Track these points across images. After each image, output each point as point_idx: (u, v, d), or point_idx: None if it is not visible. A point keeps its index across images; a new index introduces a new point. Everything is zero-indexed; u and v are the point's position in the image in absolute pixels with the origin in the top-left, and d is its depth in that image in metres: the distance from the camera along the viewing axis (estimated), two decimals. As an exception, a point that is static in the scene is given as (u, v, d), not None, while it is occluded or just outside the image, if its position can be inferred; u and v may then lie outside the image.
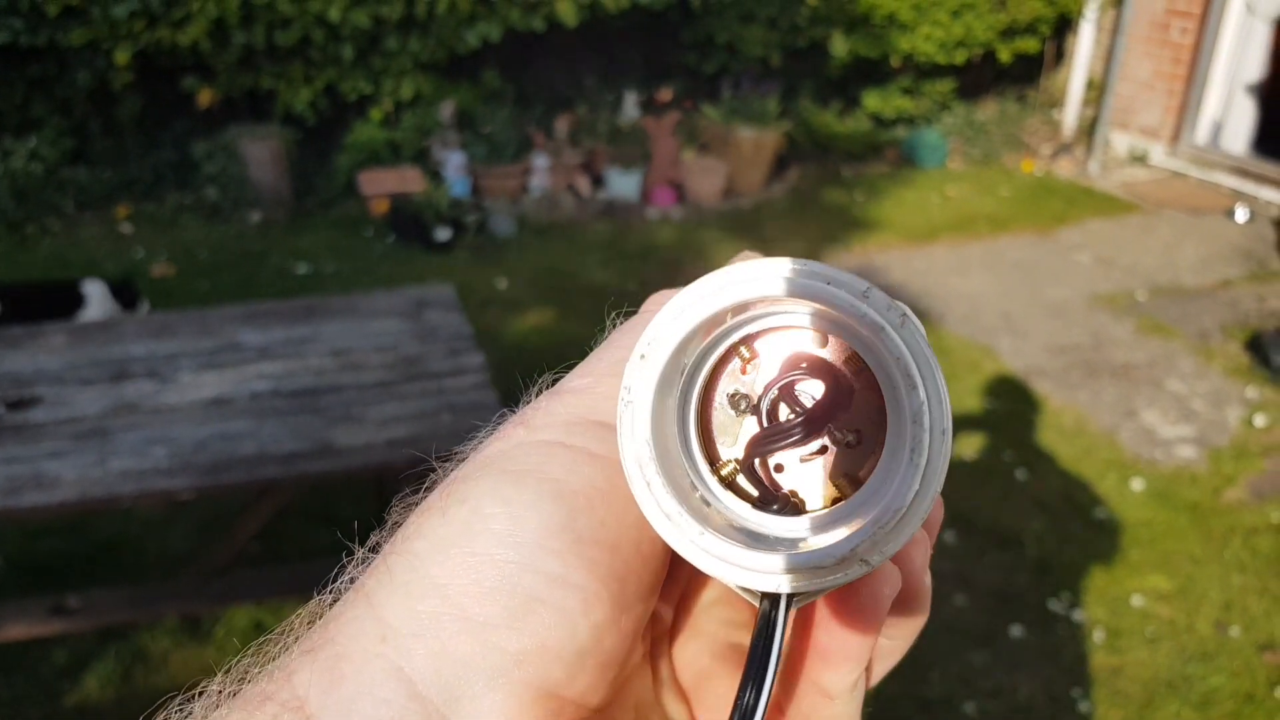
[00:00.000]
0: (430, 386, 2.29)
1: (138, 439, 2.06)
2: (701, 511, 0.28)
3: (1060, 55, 7.49)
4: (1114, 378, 4.13)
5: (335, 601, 0.30)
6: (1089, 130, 7.17)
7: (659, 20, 6.43)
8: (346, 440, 2.09)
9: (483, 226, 5.40)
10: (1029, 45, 7.03)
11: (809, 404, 0.30)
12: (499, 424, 0.32)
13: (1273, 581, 2.95)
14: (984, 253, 5.44)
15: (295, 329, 2.53)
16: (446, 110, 5.85)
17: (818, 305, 0.27)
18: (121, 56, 5.32)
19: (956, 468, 3.48)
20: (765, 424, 0.30)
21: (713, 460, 0.30)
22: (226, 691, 0.29)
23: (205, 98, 5.64)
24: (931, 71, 7.00)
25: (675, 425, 0.29)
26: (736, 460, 0.30)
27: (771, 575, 0.27)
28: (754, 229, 5.65)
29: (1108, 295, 4.93)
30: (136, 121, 5.73)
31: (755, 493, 0.30)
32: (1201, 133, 6.77)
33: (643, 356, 0.28)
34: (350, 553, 0.32)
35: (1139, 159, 6.98)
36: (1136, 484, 3.39)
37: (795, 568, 0.27)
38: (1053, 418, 3.81)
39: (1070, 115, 7.31)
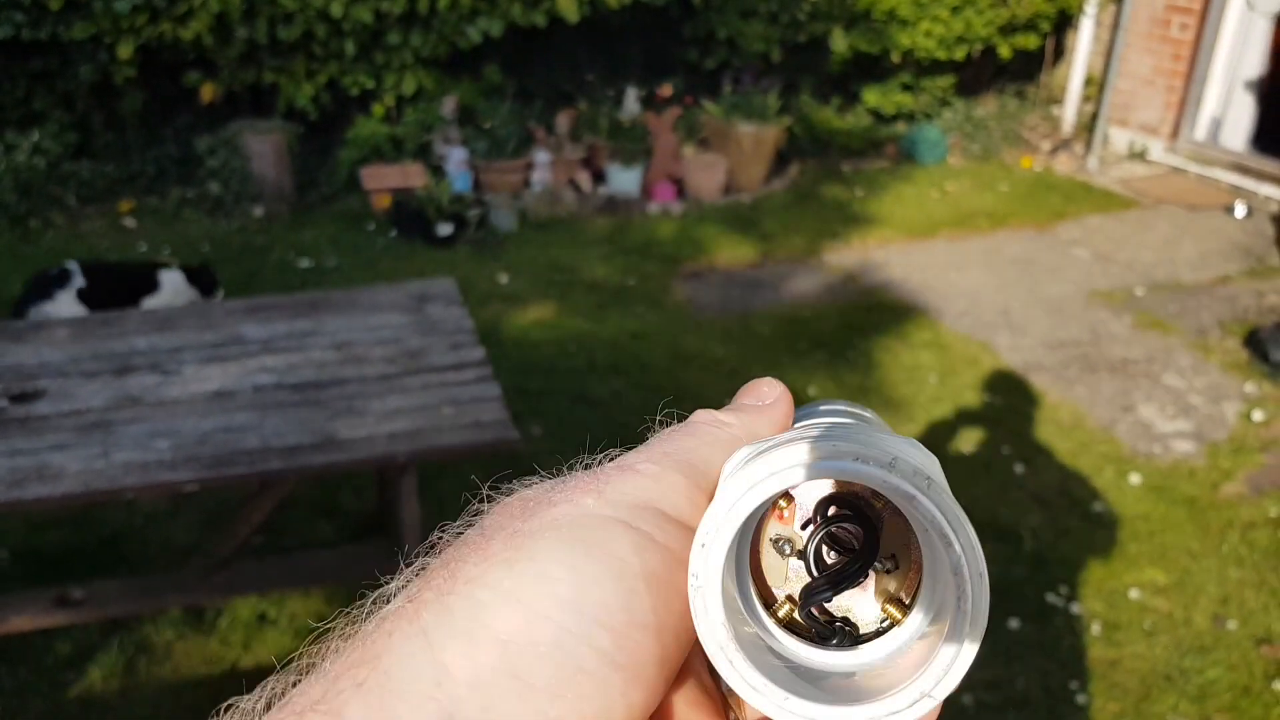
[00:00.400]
0: (432, 380, 2.31)
1: (141, 432, 2.07)
2: (778, 676, 0.31)
3: (1060, 51, 7.49)
4: (1112, 373, 4.15)
5: (374, 617, 0.30)
6: (1088, 126, 7.17)
7: (660, 16, 6.44)
8: (349, 433, 2.11)
9: (484, 221, 5.41)
10: (1029, 41, 7.03)
11: (851, 544, 0.33)
12: (564, 480, 0.32)
13: (1270, 575, 2.97)
14: (983, 248, 5.46)
15: (298, 323, 2.54)
16: (448, 106, 5.86)
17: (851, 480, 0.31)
18: (124, 51, 5.33)
19: (954, 461, 3.50)
20: (814, 569, 0.33)
21: (768, 602, 0.34)
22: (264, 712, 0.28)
23: (208, 92, 5.65)
24: (931, 67, 7.01)
25: (734, 583, 0.33)
26: (791, 601, 0.33)
27: None
28: (754, 224, 5.67)
29: (1106, 291, 4.94)
30: (139, 116, 5.74)
31: (812, 629, 0.33)
32: (1201, 129, 6.78)
33: (704, 545, 0.30)
34: (393, 564, 0.33)
35: (1138, 155, 6.99)
36: (1134, 478, 3.41)
37: (875, 717, 0.30)
38: (1050, 412, 3.83)
39: (1070, 111, 7.32)
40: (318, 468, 2.04)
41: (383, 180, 5.52)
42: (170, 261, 4.16)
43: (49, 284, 3.84)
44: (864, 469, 0.29)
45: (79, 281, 3.84)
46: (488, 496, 0.33)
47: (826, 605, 0.33)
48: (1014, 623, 2.76)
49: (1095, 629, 2.75)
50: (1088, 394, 3.97)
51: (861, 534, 0.33)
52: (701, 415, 0.36)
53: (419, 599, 0.29)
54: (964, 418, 3.78)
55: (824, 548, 0.33)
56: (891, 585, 0.33)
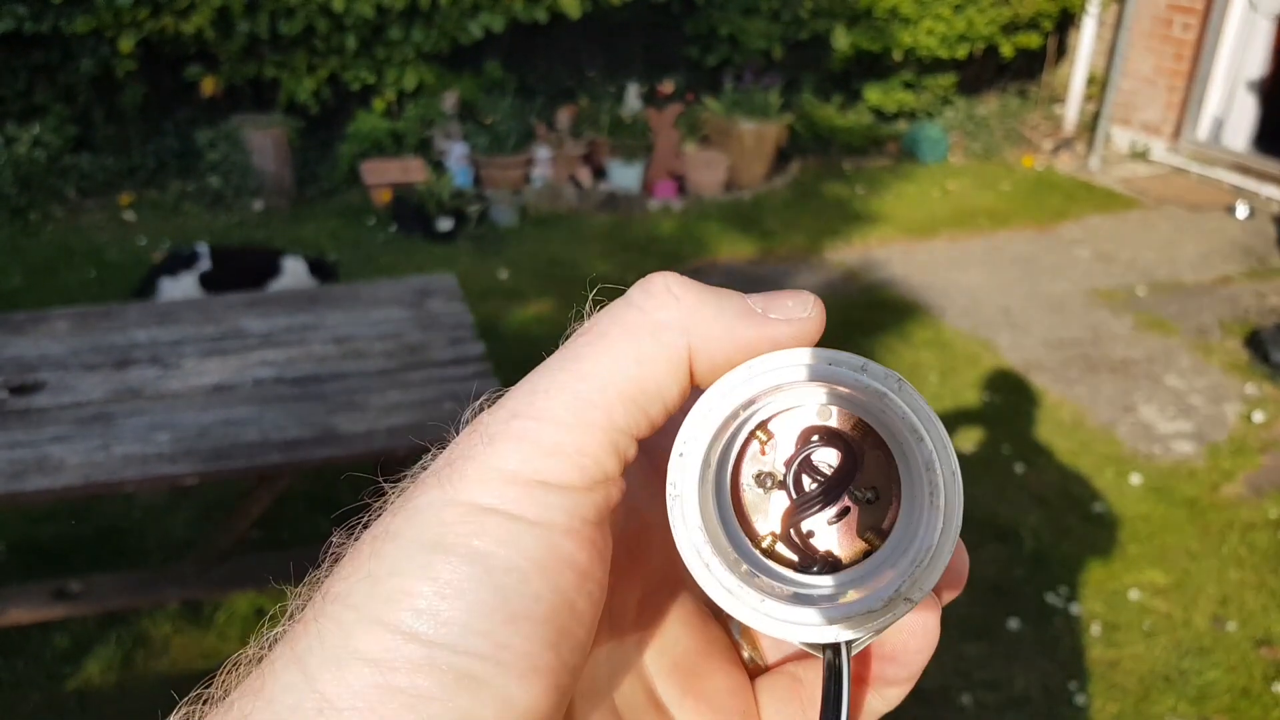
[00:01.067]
0: (432, 375, 2.30)
1: (141, 424, 2.07)
2: (755, 582, 0.31)
3: (1062, 50, 7.49)
4: (1113, 373, 4.14)
5: (268, 641, 0.28)
6: (1090, 126, 7.17)
7: (661, 12, 6.43)
8: (349, 427, 2.10)
9: (484, 217, 5.40)
10: (1031, 40, 7.02)
11: (828, 471, 0.33)
12: (434, 461, 0.29)
13: (1270, 577, 2.97)
14: (984, 247, 5.45)
15: (298, 316, 2.54)
16: (449, 101, 5.85)
17: (824, 385, 0.30)
18: (125, 44, 5.32)
19: (955, 461, 3.49)
20: (794, 496, 0.33)
21: (752, 537, 0.33)
22: None
23: (209, 86, 5.64)
24: (933, 66, 7.00)
25: (715, 510, 0.32)
26: (774, 533, 0.33)
27: (832, 627, 0.30)
28: (755, 222, 5.66)
29: (1107, 291, 4.93)
30: (140, 109, 5.73)
31: (795, 559, 0.33)
32: (1203, 129, 6.77)
33: (681, 454, 0.30)
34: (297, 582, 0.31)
35: (1140, 155, 6.98)
36: (1134, 479, 3.40)
37: (851, 616, 0.30)
38: (1051, 412, 3.82)
39: (1071, 110, 7.31)
40: (317, 462, 2.04)
41: (383, 175, 5.51)
42: (293, 249, 4.31)
43: (178, 263, 4.01)
44: (838, 371, 0.29)
45: (205, 264, 4.00)
46: (381, 490, 0.30)
47: (811, 541, 0.33)
48: (1013, 623, 2.75)
49: (1095, 629, 2.75)
50: (1088, 394, 3.97)
51: (840, 459, 0.33)
52: (637, 306, 0.30)
53: (298, 623, 0.28)
54: (964, 416, 3.77)
55: (804, 475, 0.33)
56: (871, 517, 0.33)
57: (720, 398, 0.30)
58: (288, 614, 0.29)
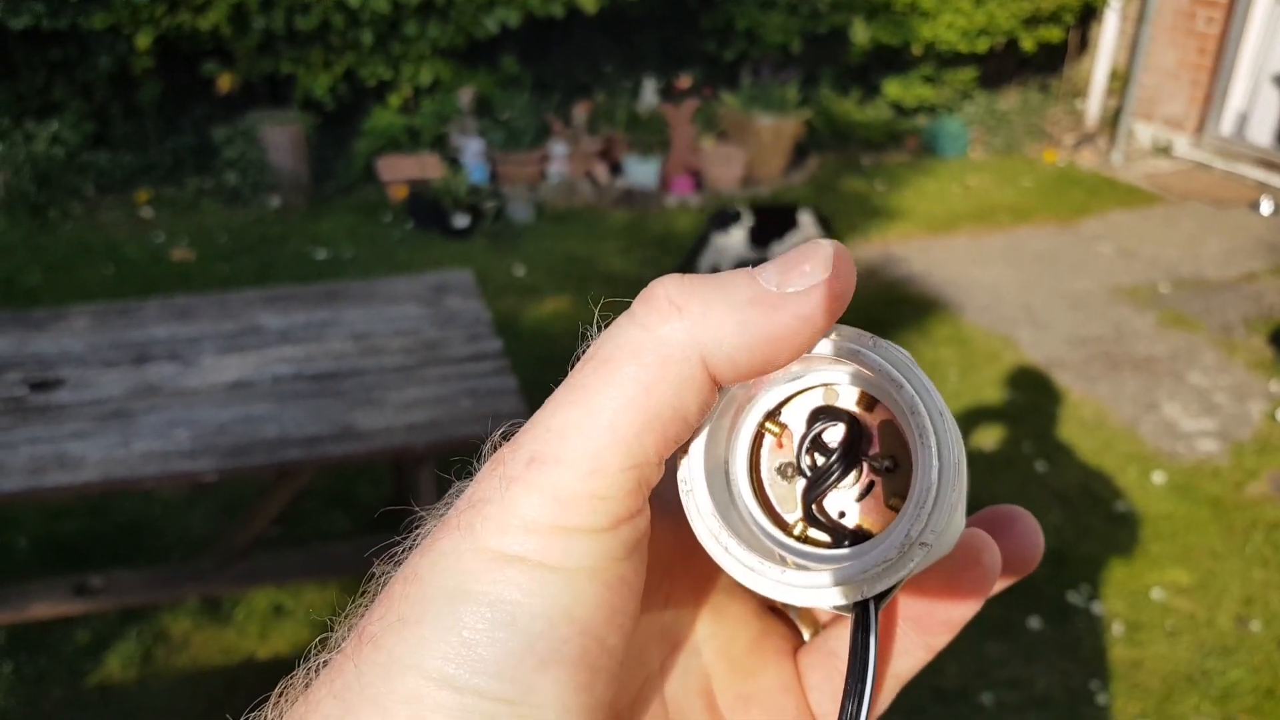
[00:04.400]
0: (450, 371, 2.29)
1: (160, 421, 2.07)
2: (774, 556, 0.31)
3: (1084, 44, 7.41)
4: (1135, 370, 4.10)
5: (311, 674, 0.29)
6: (1112, 120, 7.10)
7: (678, 7, 6.40)
8: (367, 424, 2.10)
9: (500, 213, 5.40)
10: (1052, 34, 6.96)
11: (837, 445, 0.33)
12: (453, 499, 0.28)
13: (1294, 577, 2.93)
14: (1005, 243, 5.41)
15: (316, 313, 2.53)
16: (465, 97, 5.84)
17: (812, 361, 0.31)
18: (142, 41, 5.34)
19: (975, 458, 3.47)
20: (807, 475, 0.33)
21: (785, 529, 0.33)
22: None
23: (225, 82, 5.65)
24: (953, 60, 6.94)
25: (733, 497, 0.33)
26: (801, 519, 0.33)
27: (853, 585, 0.30)
28: (772, 217, 5.63)
29: (1130, 287, 4.88)
30: (157, 106, 5.75)
31: (828, 538, 0.33)
32: (1226, 124, 6.70)
33: (688, 452, 0.31)
34: (332, 619, 0.31)
35: (1163, 150, 6.91)
36: (1157, 477, 3.37)
37: (869, 570, 0.29)
38: (1073, 410, 3.78)
39: (1093, 105, 7.24)
40: (336, 458, 2.03)
41: (399, 171, 5.51)
42: (803, 205, 5.04)
43: (727, 220, 4.71)
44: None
45: (749, 220, 4.69)
46: (420, 520, 0.30)
47: (841, 519, 0.33)
48: (1034, 622, 2.73)
49: (1117, 629, 2.72)
50: (1111, 391, 3.93)
51: (845, 431, 0.33)
52: (640, 324, 0.28)
53: (338, 656, 0.28)
54: (985, 414, 3.74)
55: (815, 454, 0.33)
56: (895, 485, 0.33)
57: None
58: (331, 644, 0.29)
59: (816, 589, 0.30)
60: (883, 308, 4.53)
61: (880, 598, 0.30)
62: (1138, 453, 3.51)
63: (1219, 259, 5.24)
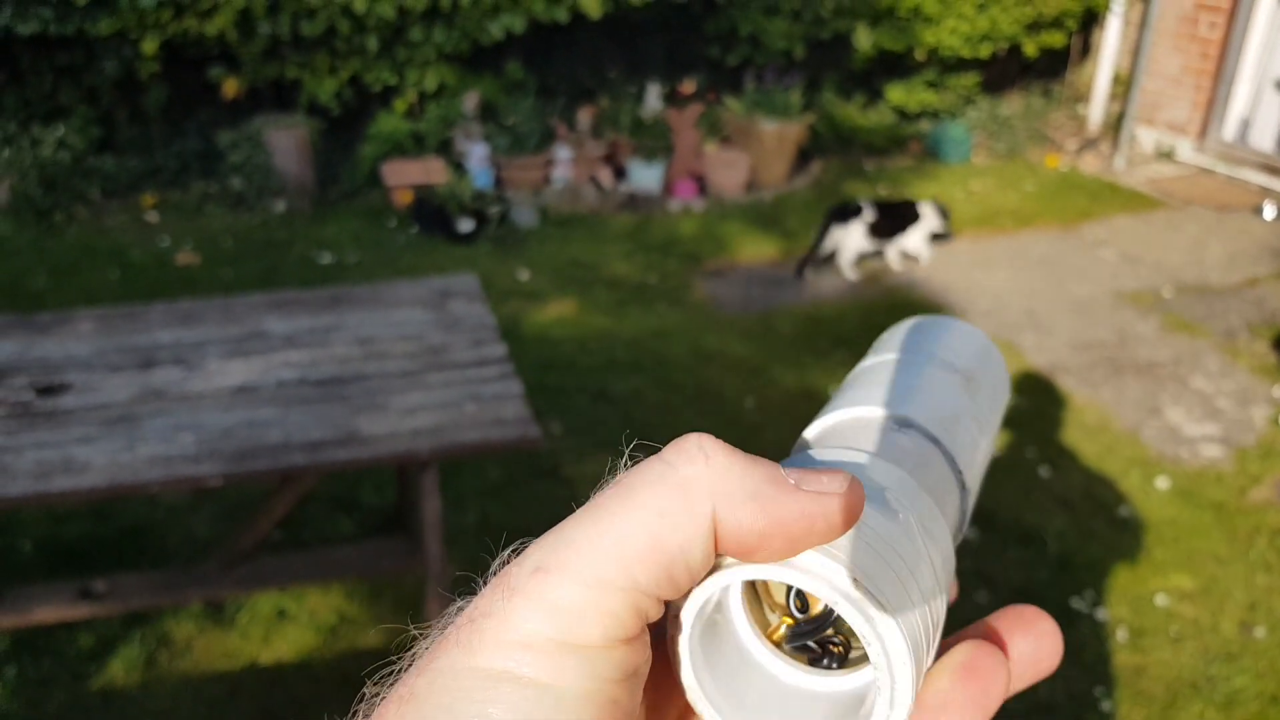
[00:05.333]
0: (454, 376, 2.30)
1: (166, 425, 2.08)
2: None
3: (1086, 49, 7.42)
4: (1139, 375, 4.10)
5: None
6: (1115, 125, 7.10)
7: (682, 12, 6.42)
8: (371, 428, 2.10)
9: (505, 218, 5.41)
10: (1055, 39, 6.96)
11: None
12: (453, 617, 0.29)
13: (1299, 582, 2.93)
14: (1008, 248, 5.41)
15: (320, 318, 2.54)
16: (470, 101, 5.86)
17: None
18: (149, 46, 5.36)
19: (978, 464, 3.47)
20: (796, 613, 0.33)
21: (766, 623, 0.33)
22: None
23: (231, 88, 5.67)
24: (956, 65, 6.95)
25: (723, 653, 0.32)
26: (785, 618, 0.33)
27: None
28: (776, 222, 5.64)
29: (1133, 292, 4.88)
30: (163, 111, 5.77)
31: (805, 655, 0.33)
32: (1229, 129, 6.70)
33: (683, 634, 0.31)
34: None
35: (1165, 155, 6.91)
36: (1161, 482, 3.37)
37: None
38: (1076, 415, 3.78)
39: (1096, 110, 7.25)
40: (340, 463, 2.04)
41: (404, 176, 5.53)
42: (922, 199, 5.23)
43: (848, 214, 4.84)
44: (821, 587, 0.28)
45: (870, 215, 4.84)
46: (414, 637, 0.30)
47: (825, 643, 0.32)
48: (1038, 627, 2.72)
49: (1121, 635, 2.72)
50: (1114, 396, 3.93)
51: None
52: (667, 462, 0.29)
53: None
54: (988, 419, 3.74)
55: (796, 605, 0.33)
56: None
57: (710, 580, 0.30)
58: None
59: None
60: (885, 313, 4.53)
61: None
62: (1141, 458, 3.51)
63: (1222, 264, 5.24)
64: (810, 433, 0.38)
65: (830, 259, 4.99)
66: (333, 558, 2.65)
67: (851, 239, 4.84)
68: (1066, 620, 2.76)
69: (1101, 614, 2.79)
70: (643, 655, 0.28)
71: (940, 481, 0.35)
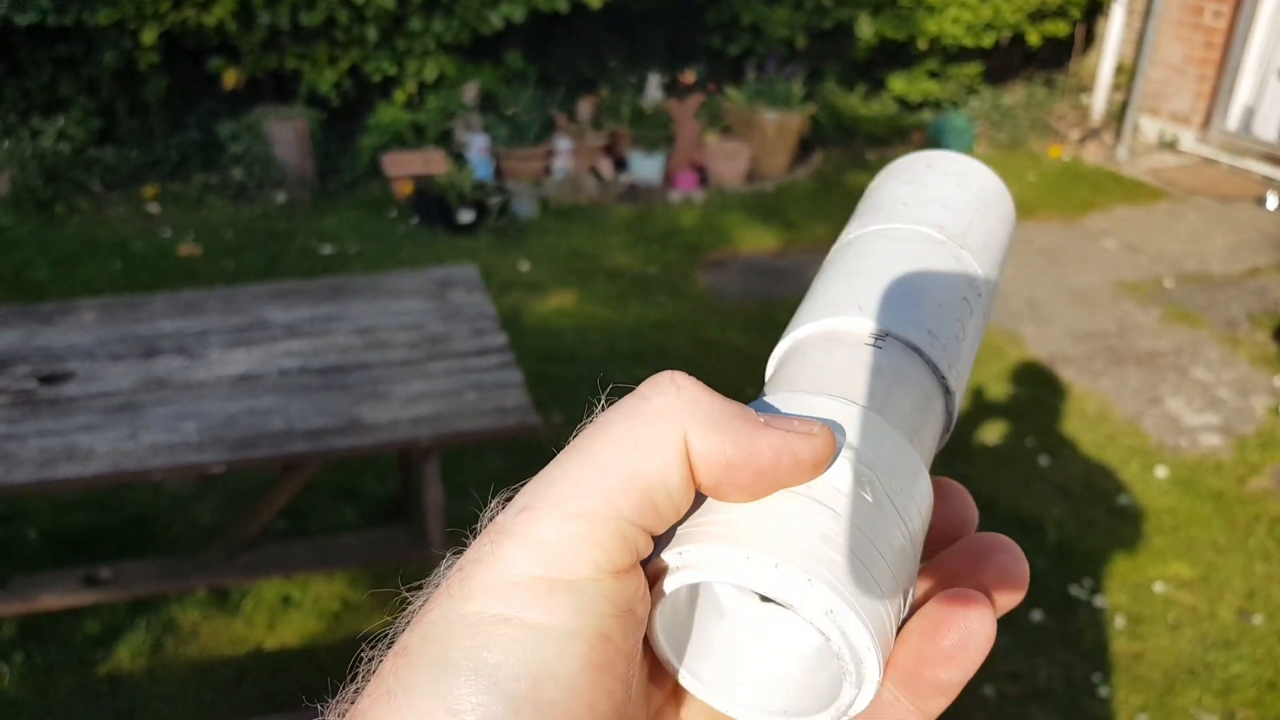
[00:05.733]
0: (455, 365, 2.31)
1: (168, 414, 2.09)
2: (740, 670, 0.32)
3: (1090, 39, 7.40)
4: (1139, 365, 4.10)
5: None
6: (1118, 115, 7.09)
7: (683, 2, 6.41)
8: (373, 417, 2.11)
9: (505, 209, 5.41)
10: (1058, 28, 6.95)
11: None
12: (451, 563, 0.29)
13: (1297, 570, 2.94)
14: (1009, 238, 5.41)
15: (322, 307, 2.55)
16: (470, 92, 5.85)
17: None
18: (148, 37, 5.36)
19: (978, 453, 3.48)
20: None
21: None
22: None
23: (230, 78, 5.67)
24: (959, 54, 6.94)
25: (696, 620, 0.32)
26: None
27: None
28: (777, 213, 5.64)
29: (1134, 282, 4.89)
30: (163, 102, 5.77)
31: None
32: (1233, 119, 6.68)
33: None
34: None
35: (1168, 145, 6.90)
36: (1160, 471, 3.38)
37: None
38: (1076, 404, 3.79)
39: (1099, 100, 7.23)
40: (342, 451, 2.05)
41: (404, 167, 5.53)
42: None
43: None
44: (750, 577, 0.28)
45: None
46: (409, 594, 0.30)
47: None
48: (1037, 615, 2.74)
49: (1119, 622, 2.73)
50: (1114, 386, 3.93)
51: None
52: (640, 395, 0.30)
53: None
54: (989, 409, 3.75)
55: None
56: None
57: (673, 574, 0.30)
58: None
59: (756, 713, 0.31)
60: (887, 302, 4.53)
61: None
62: (1141, 447, 3.52)
63: (1224, 254, 5.23)
64: (779, 351, 0.37)
65: None
66: (336, 546, 2.66)
67: None
68: (1065, 608, 2.77)
69: (1100, 601, 2.80)
70: (636, 591, 0.28)
71: (920, 401, 0.34)
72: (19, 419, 2.06)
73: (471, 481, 3.14)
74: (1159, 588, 2.86)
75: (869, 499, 0.29)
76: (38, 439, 2.00)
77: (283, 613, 2.63)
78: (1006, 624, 2.69)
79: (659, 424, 0.29)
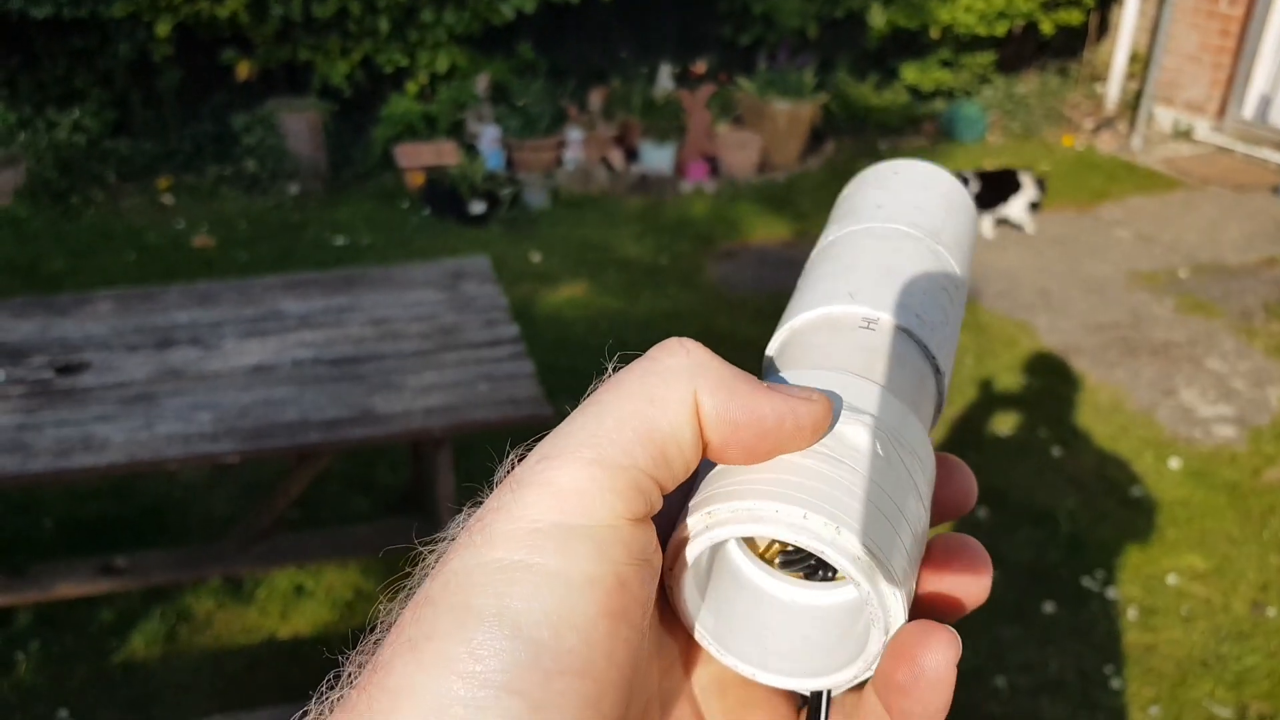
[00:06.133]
0: (467, 356, 2.32)
1: (183, 404, 2.10)
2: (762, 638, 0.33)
3: (1104, 27, 7.34)
4: (1153, 356, 4.08)
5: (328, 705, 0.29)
6: (1132, 104, 7.03)
7: (695, -8, 6.39)
8: (386, 408, 2.12)
9: (516, 200, 5.41)
10: (1072, 16, 6.90)
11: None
12: (469, 515, 0.30)
13: (1311, 562, 2.92)
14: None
15: (335, 298, 2.56)
16: (481, 83, 5.85)
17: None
18: (162, 29, 5.38)
19: (990, 443, 3.47)
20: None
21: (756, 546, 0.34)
22: None
23: (244, 70, 5.69)
24: (971, 43, 6.90)
25: (715, 579, 0.33)
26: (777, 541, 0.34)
27: (814, 679, 0.32)
28: (789, 203, 5.62)
29: (1148, 273, 4.86)
30: (176, 94, 5.79)
31: (798, 569, 0.34)
32: (1249, 107, 6.62)
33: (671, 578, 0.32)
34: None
35: (1183, 134, 6.85)
36: (1174, 462, 3.36)
37: (828, 673, 0.32)
38: (1089, 395, 3.78)
39: (1113, 89, 7.18)
40: (355, 441, 2.06)
41: (416, 158, 5.54)
42: (1023, 169, 5.39)
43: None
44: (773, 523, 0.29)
45: (975, 186, 5.04)
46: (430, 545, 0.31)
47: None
48: (1049, 606, 2.73)
49: (1131, 614, 2.72)
50: (1128, 377, 3.91)
51: None
52: (651, 357, 0.31)
53: (353, 690, 0.28)
54: (1001, 400, 3.74)
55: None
56: None
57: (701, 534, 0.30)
58: (344, 680, 0.29)
59: (782, 676, 0.32)
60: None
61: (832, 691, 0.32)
62: (1154, 438, 3.51)
63: (1239, 244, 5.20)
64: (776, 341, 0.38)
65: None
66: (349, 535, 2.68)
67: (1014, 213, 5.13)
68: (1077, 599, 2.77)
69: (1112, 593, 2.80)
70: (650, 541, 0.29)
71: (915, 378, 0.35)
72: (36, 409, 2.08)
73: (483, 472, 3.15)
74: (1172, 579, 2.85)
75: (883, 456, 0.30)
76: (54, 429, 2.02)
77: (296, 602, 2.65)
78: (1019, 615, 2.69)
79: (671, 381, 0.30)
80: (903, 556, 0.29)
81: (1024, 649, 2.59)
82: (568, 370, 3.76)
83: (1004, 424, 3.59)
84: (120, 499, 3.01)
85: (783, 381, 0.33)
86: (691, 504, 0.30)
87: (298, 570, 2.71)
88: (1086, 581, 2.83)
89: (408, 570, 0.30)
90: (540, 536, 0.27)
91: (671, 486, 0.30)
